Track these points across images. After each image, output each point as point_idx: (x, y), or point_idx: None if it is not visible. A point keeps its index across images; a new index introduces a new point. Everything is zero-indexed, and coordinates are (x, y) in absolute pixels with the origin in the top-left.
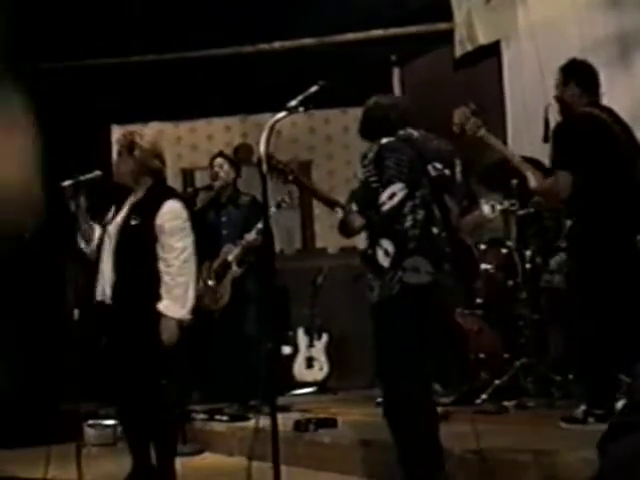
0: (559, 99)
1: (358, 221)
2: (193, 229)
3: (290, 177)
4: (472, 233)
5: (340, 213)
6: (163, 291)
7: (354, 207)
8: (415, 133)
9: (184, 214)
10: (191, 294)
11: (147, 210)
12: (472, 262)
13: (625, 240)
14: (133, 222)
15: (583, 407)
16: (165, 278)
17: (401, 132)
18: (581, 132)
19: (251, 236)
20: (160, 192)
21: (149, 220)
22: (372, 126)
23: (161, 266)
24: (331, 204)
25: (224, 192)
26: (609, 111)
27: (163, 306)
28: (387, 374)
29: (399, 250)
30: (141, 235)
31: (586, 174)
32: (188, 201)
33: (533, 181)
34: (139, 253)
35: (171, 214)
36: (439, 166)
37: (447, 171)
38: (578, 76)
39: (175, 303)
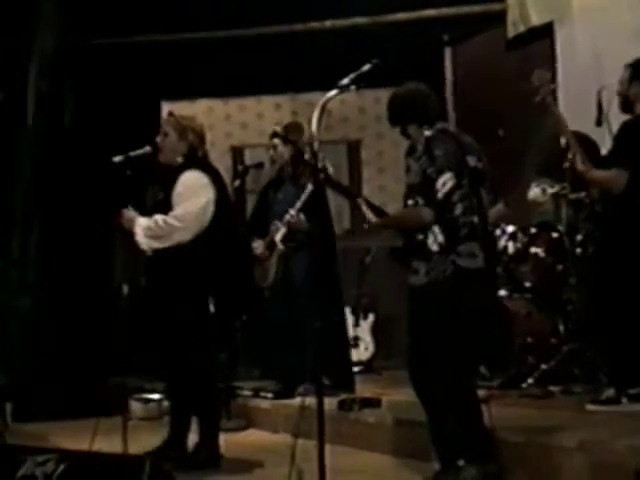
0: (623, 96)
1: (429, 215)
2: (225, 206)
3: (321, 176)
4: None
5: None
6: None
7: (421, 201)
8: (449, 125)
9: (202, 180)
10: (171, 242)
11: (171, 184)
12: (496, 252)
13: None
14: (159, 197)
15: (611, 390)
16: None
17: (439, 124)
18: None
19: (293, 214)
20: (185, 165)
21: (171, 194)
22: (410, 113)
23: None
24: (376, 210)
25: (285, 170)
26: None
27: (145, 224)
28: (427, 357)
29: (450, 236)
30: (165, 209)
31: None
32: (216, 173)
33: (580, 164)
34: None
35: (187, 180)
36: (474, 158)
37: (480, 164)
38: None
39: (147, 231)
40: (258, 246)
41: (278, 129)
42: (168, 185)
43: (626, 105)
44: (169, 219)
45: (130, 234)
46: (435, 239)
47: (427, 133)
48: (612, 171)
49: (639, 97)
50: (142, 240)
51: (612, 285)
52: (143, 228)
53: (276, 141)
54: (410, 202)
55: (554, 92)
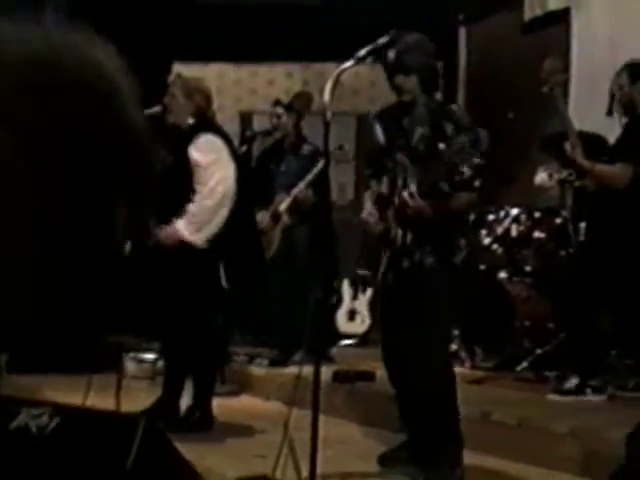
0: (627, 97)
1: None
2: (238, 166)
3: None
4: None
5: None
6: (186, 210)
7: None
8: None
9: (218, 144)
10: (215, 222)
11: (183, 146)
12: None
13: None
14: (168, 162)
15: (575, 379)
16: (192, 203)
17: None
18: None
19: (301, 187)
20: (197, 128)
21: (184, 155)
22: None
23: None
24: None
25: (286, 140)
26: None
27: (178, 223)
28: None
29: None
30: (175, 174)
31: None
32: (226, 136)
33: (580, 158)
34: (174, 189)
35: (206, 145)
36: None
37: None
38: None
39: (190, 224)
40: (263, 218)
41: (281, 98)
42: (178, 147)
43: (628, 107)
44: (203, 203)
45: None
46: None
47: (454, 106)
48: (616, 166)
49: None
50: (193, 237)
51: (592, 279)
52: (185, 227)
53: (279, 110)
54: (458, 179)
55: (565, 83)
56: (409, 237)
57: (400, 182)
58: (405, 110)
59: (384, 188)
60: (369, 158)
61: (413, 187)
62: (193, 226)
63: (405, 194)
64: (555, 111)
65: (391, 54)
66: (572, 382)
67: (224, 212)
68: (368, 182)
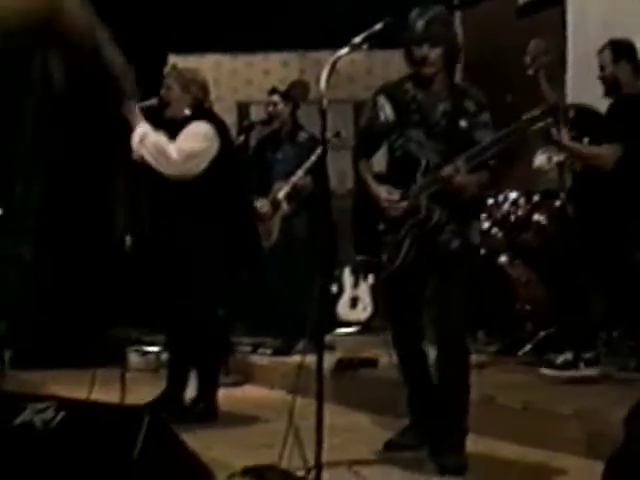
0: (611, 78)
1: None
2: (226, 153)
3: None
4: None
5: None
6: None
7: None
8: None
9: (208, 130)
10: (153, 159)
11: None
12: None
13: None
14: None
15: (568, 354)
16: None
17: None
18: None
19: (300, 174)
20: (192, 118)
21: None
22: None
23: None
24: None
25: (282, 129)
26: None
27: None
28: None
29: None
30: None
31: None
32: (222, 124)
33: (566, 139)
34: (172, 184)
35: (194, 126)
36: None
37: None
38: (628, 54)
39: (143, 138)
40: (263, 205)
41: (277, 86)
42: (173, 137)
43: (612, 87)
44: (167, 146)
45: (128, 130)
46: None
47: (474, 89)
48: (603, 146)
49: (627, 76)
50: (136, 140)
51: (584, 260)
52: (143, 132)
53: (275, 98)
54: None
55: (550, 65)
56: (444, 216)
57: (424, 160)
58: (422, 84)
59: (384, 166)
60: (367, 135)
61: (460, 162)
62: (145, 139)
63: (449, 169)
64: (543, 94)
65: (419, 23)
66: (566, 356)
67: (167, 169)
68: (360, 159)
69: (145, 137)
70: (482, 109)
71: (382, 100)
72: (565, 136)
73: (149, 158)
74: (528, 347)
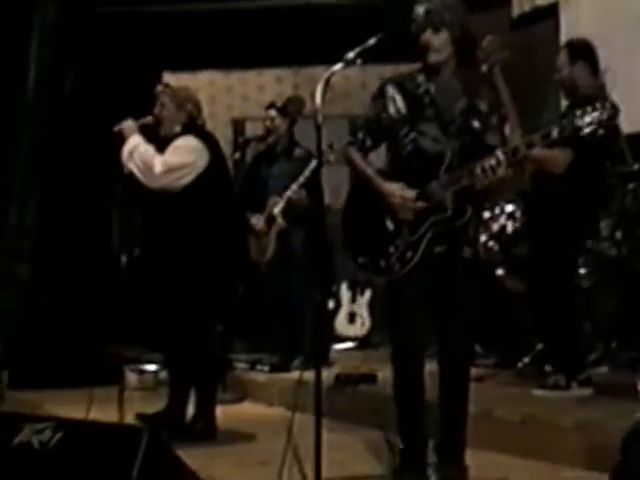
0: (567, 79)
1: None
2: (216, 168)
3: None
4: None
5: None
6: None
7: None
8: None
9: (195, 144)
10: (139, 171)
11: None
12: None
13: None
14: None
15: (560, 375)
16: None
17: None
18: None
19: (294, 189)
20: (183, 132)
21: None
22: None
23: None
24: None
25: (279, 144)
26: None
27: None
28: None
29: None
30: None
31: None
32: (212, 140)
33: (516, 140)
34: (164, 201)
35: (181, 140)
36: None
37: None
38: (585, 55)
39: (133, 149)
40: (258, 221)
41: (275, 101)
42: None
43: (570, 89)
44: (154, 158)
45: (121, 142)
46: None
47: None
48: (554, 150)
49: (584, 77)
50: (126, 153)
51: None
52: (134, 144)
53: (273, 113)
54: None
55: (504, 61)
56: (469, 213)
57: (449, 153)
58: (430, 75)
59: (383, 163)
60: (373, 127)
61: (500, 154)
62: (134, 151)
63: (492, 162)
64: (497, 91)
65: (420, 9)
66: (558, 378)
67: (151, 182)
68: (358, 151)
69: (135, 149)
70: (494, 110)
71: (392, 90)
72: (517, 137)
73: (136, 171)
74: (526, 360)
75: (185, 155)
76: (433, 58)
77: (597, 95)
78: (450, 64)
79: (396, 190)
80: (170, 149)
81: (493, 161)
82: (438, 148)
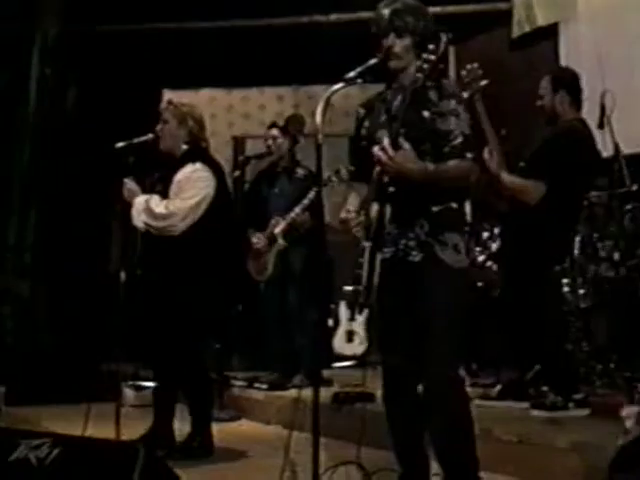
0: (549, 107)
1: (476, 174)
2: (224, 197)
3: None
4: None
5: None
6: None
7: (469, 155)
8: None
9: (204, 174)
10: (161, 224)
11: (171, 176)
12: None
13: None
14: (157, 188)
15: (556, 395)
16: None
17: None
18: (570, 153)
19: (298, 212)
20: (189, 156)
21: (170, 185)
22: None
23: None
24: None
25: (280, 163)
26: (589, 129)
27: (143, 199)
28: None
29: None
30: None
31: (558, 193)
32: (217, 166)
33: (494, 166)
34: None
35: (189, 171)
36: None
37: None
38: (568, 85)
39: (146, 209)
40: (259, 240)
41: (277, 120)
42: (168, 176)
43: (550, 117)
44: (169, 205)
45: (127, 206)
46: (465, 212)
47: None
48: (529, 181)
49: (565, 107)
50: (136, 214)
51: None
52: (140, 203)
53: (275, 132)
54: (447, 150)
55: (483, 90)
56: (388, 212)
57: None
58: (390, 81)
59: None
60: (352, 155)
61: (385, 141)
62: (146, 208)
63: (375, 149)
64: (478, 117)
65: (384, 12)
66: (556, 398)
67: (176, 228)
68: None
69: (144, 204)
70: (444, 97)
71: (362, 112)
72: (494, 163)
73: (154, 227)
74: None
75: (198, 191)
76: (394, 64)
77: (576, 127)
78: (410, 70)
79: (343, 210)
80: (184, 190)
81: (376, 149)
82: None
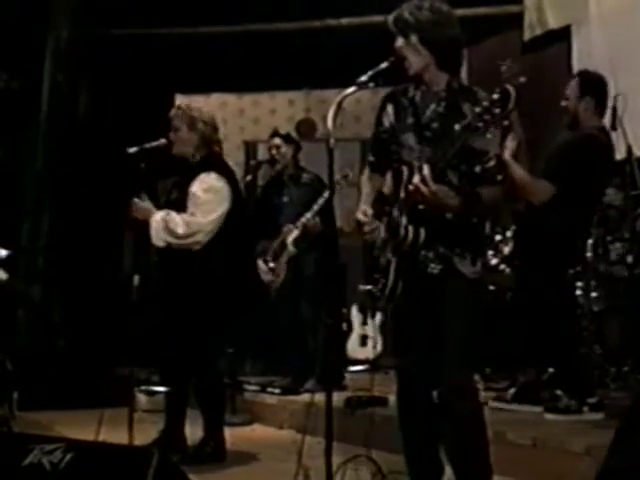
0: (573, 111)
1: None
2: (238, 204)
3: None
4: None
5: None
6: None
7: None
8: None
9: (221, 185)
10: (183, 242)
11: (186, 184)
12: None
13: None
14: (173, 196)
15: (570, 399)
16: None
17: None
18: (587, 162)
19: (309, 218)
20: (204, 164)
21: (186, 193)
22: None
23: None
24: None
25: (285, 171)
26: (609, 138)
27: (160, 217)
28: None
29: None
30: (179, 208)
31: (573, 198)
32: (231, 174)
33: (508, 154)
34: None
35: (206, 184)
36: None
37: None
38: (595, 90)
39: (166, 228)
40: (271, 247)
41: (278, 128)
42: (183, 183)
43: (573, 121)
44: (191, 224)
45: (142, 225)
46: (485, 228)
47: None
48: (539, 181)
49: (589, 114)
50: (155, 234)
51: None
52: (158, 222)
53: (277, 141)
54: (479, 171)
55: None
56: (422, 236)
57: (406, 169)
58: (418, 83)
59: (386, 185)
60: (373, 145)
61: (426, 170)
62: (166, 227)
63: (416, 179)
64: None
65: (390, 17)
66: (570, 402)
67: (199, 244)
68: (368, 172)
69: (163, 223)
70: (478, 111)
71: (387, 103)
72: (507, 152)
73: (174, 240)
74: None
75: (217, 206)
76: (410, 68)
77: (598, 138)
78: (430, 68)
79: (358, 212)
80: (203, 204)
81: (416, 178)
82: (411, 158)
